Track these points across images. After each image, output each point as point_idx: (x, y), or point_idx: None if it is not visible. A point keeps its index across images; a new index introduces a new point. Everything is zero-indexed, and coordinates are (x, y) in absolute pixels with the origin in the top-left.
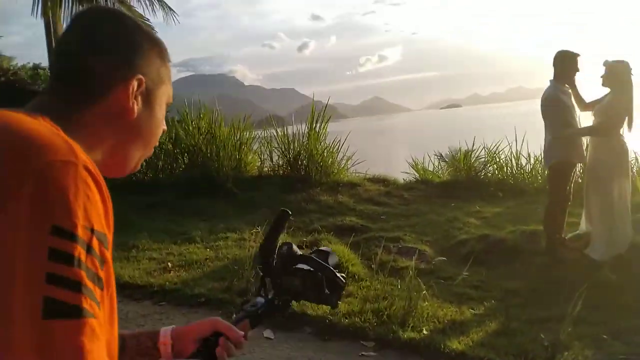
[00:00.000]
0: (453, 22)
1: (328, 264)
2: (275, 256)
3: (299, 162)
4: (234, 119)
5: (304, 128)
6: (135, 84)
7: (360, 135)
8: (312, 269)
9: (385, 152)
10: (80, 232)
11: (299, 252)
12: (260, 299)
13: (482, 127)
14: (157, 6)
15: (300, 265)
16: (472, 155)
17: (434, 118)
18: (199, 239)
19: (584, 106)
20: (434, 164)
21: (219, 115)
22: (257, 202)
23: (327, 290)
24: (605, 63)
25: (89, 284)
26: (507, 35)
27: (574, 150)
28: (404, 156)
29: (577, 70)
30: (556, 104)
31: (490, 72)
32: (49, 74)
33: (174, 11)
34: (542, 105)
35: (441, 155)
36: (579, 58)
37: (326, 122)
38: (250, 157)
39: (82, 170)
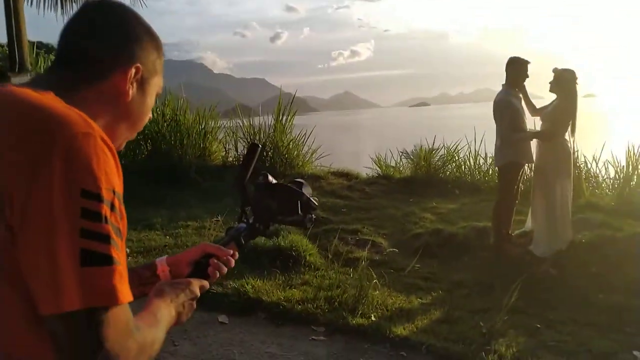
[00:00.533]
0: (426, 21)
1: (303, 191)
2: (253, 185)
3: (264, 154)
4: (199, 107)
5: (271, 119)
6: (133, 71)
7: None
8: (286, 192)
9: (351, 147)
10: (105, 194)
11: (274, 181)
12: (242, 225)
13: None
14: None
15: (276, 191)
16: (434, 154)
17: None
18: (159, 226)
19: (533, 111)
20: (395, 161)
21: (185, 103)
22: (220, 192)
23: (300, 212)
24: (554, 70)
25: (115, 236)
26: (479, 39)
27: (522, 152)
28: (369, 152)
29: (527, 76)
30: (507, 108)
31: (458, 72)
32: (51, 56)
33: None
34: (494, 109)
35: (406, 152)
36: (529, 65)
37: (293, 115)
38: (215, 147)
39: (99, 140)
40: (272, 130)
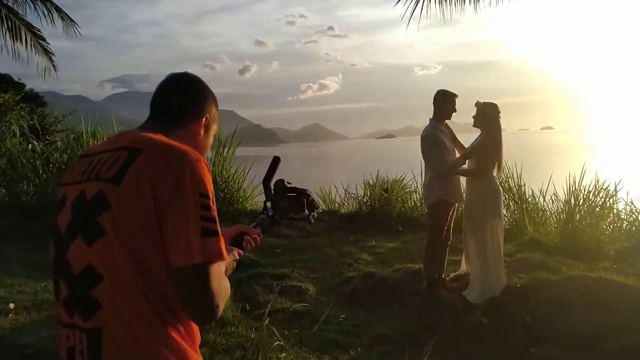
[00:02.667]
0: (391, 56)
1: (309, 194)
2: (273, 187)
3: None
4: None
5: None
6: (204, 120)
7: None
8: (295, 195)
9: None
10: (210, 195)
11: (289, 185)
12: (264, 216)
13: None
14: (56, 16)
15: (289, 194)
16: (377, 188)
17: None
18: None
19: (459, 147)
20: (339, 195)
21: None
22: None
23: (306, 210)
24: (476, 104)
25: (217, 220)
26: (441, 73)
27: (451, 190)
28: (332, 184)
29: (454, 110)
30: (435, 143)
31: (423, 105)
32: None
33: (75, 22)
34: (421, 144)
35: (349, 192)
36: (456, 99)
37: (235, 147)
38: None
39: (204, 163)
40: (212, 164)
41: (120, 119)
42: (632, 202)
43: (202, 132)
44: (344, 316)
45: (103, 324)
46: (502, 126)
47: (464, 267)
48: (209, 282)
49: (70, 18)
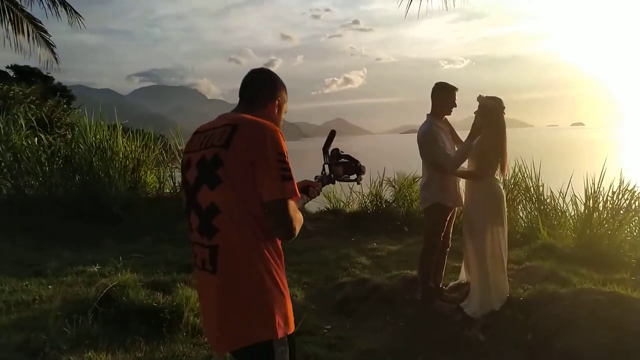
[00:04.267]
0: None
1: (357, 160)
2: (330, 153)
3: None
4: (132, 134)
5: None
6: (277, 102)
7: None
8: (347, 161)
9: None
10: (285, 153)
11: (342, 153)
12: (323, 175)
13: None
14: (61, 8)
15: (342, 160)
16: (385, 186)
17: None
18: (50, 273)
19: (459, 145)
20: (344, 193)
21: (119, 129)
22: (143, 229)
23: (356, 174)
24: (478, 98)
25: (291, 170)
26: (468, 67)
27: (449, 193)
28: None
29: (454, 105)
30: (433, 140)
31: (462, 100)
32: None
33: (79, 15)
34: (418, 142)
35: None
36: (456, 92)
37: None
38: (150, 177)
39: (279, 132)
40: None
41: (146, 112)
42: None
43: (276, 110)
44: (329, 327)
45: (219, 242)
46: (531, 122)
47: (463, 276)
48: (288, 211)
49: (74, 10)
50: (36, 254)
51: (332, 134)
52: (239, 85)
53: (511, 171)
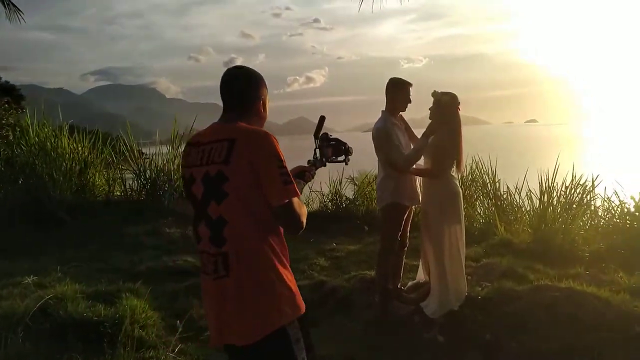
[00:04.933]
0: (377, 50)
1: (345, 142)
2: (319, 138)
3: (157, 187)
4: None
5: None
6: (262, 100)
7: None
8: (335, 143)
9: None
10: (282, 157)
11: (332, 136)
12: (315, 159)
13: None
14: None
15: (331, 143)
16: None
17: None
18: None
19: (415, 142)
20: (304, 193)
21: (64, 128)
22: (91, 235)
23: (344, 156)
24: (433, 94)
25: (289, 172)
26: (427, 67)
27: (406, 191)
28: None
29: (409, 100)
30: (388, 137)
31: (421, 98)
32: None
33: (19, 10)
34: (373, 138)
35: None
36: (410, 88)
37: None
38: (98, 180)
39: (273, 137)
40: (166, 161)
41: (103, 112)
42: (609, 199)
43: (261, 109)
44: None
45: (228, 249)
46: (488, 119)
47: (421, 275)
48: (294, 211)
49: (14, 4)
50: None
51: (321, 120)
52: (198, 84)
53: (468, 168)
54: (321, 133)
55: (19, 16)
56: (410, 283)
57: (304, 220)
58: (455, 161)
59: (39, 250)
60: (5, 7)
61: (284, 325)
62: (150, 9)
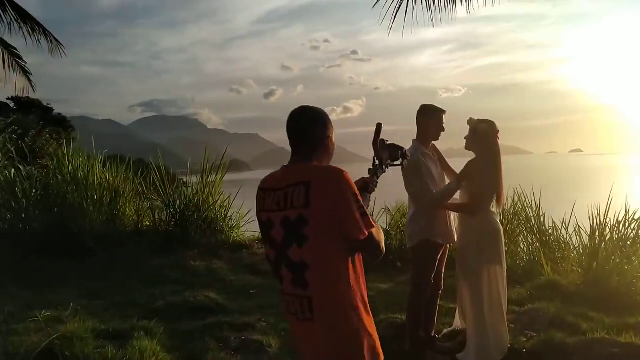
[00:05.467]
0: (414, 80)
1: (402, 147)
2: (378, 144)
3: (186, 218)
4: (111, 163)
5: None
6: (329, 137)
7: None
8: (392, 147)
9: None
10: (357, 192)
11: (388, 142)
12: (375, 167)
13: None
14: (41, 37)
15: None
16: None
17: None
18: (2, 319)
19: (450, 175)
20: None
21: (93, 159)
22: (115, 266)
23: (401, 159)
24: (469, 122)
25: (363, 205)
26: (466, 96)
27: (439, 228)
28: None
29: (442, 129)
30: (418, 169)
31: (447, 128)
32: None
33: (60, 43)
34: (402, 171)
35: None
36: (443, 115)
37: (223, 172)
38: (128, 210)
39: (346, 174)
40: (195, 191)
41: (147, 141)
42: None
43: (330, 145)
44: None
45: (312, 294)
46: (530, 149)
47: (458, 322)
48: (374, 240)
49: (56, 39)
50: None
51: (378, 127)
52: (239, 115)
53: (510, 200)
54: (379, 140)
55: (61, 50)
56: (445, 330)
57: (382, 245)
58: (494, 195)
59: (62, 281)
60: (47, 40)
61: None
62: (194, 44)
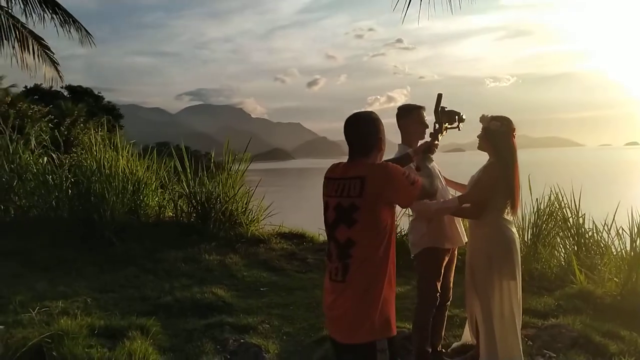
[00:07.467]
0: (460, 69)
1: (458, 112)
2: (440, 112)
3: (207, 209)
4: (132, 153)
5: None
6: (381, 138)
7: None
8: (449, 112)
9: None
10: (404, 170)
11: (447, 109)
12: (435, 130)
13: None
14: (73, 28)
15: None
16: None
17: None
18: (12, 309)
19: (448, 180)
20: None
21: (123, 147)
22: (131, 257)
23: (457, 122)
24: (482, 119)
25: (413, 177)
26: (514, 86)
27: (440, 231)
28: None
29: (425, 125)
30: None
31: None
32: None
33: (90, 34)
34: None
35: None
36: (423, 111)
37: (246, 162)
38: (152, 201)
39: (389, 164)
40: (217, 183)
41: (193, 130)
42: None
43: (381, 145)
44: None
45: (351, 263)
46: (582, 141)
47: (467, 336)
48: (423, 192)
49: (86, 30)
50: (8, 283)
51: (439, 97)
52: (283, 104)
53: (546, 199)
54: (440, 108)
55: (90, 40)
56: (454, 344)
57: (431, 189)
58: (509, 201)
59: (79, 271)
60: (77, 31)
61: (374, 341)
62: (239, 34)
